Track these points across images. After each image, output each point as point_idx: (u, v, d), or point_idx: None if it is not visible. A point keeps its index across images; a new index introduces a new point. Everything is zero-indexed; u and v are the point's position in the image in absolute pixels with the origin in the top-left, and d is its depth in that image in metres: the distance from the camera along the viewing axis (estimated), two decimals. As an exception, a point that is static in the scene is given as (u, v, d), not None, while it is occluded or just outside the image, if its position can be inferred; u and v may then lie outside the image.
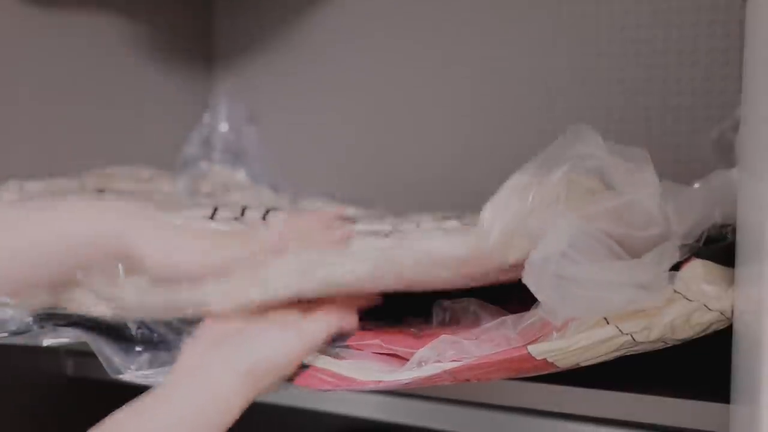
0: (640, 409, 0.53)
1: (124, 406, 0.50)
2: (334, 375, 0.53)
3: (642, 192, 0.47)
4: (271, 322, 0.55)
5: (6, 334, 0.59)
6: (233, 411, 0.51)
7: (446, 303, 0.58)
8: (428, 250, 0.49)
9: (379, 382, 0.51)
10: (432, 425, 0.76)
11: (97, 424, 0.49)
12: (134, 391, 0.52)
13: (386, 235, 0.66)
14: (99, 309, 0.58)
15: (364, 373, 0.52)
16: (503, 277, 0.52)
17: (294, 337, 0.53)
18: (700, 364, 0.55)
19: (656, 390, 0.53)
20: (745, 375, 0.38)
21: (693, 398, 0.51)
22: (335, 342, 0.56)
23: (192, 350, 0.54)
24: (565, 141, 0.49)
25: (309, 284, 0.53)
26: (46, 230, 0.55)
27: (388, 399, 0.76)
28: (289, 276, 0.54)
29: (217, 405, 0.50)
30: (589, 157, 0.49)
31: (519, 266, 0.45)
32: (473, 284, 0.54)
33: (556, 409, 0.56)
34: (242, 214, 0.81)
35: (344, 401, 0.78)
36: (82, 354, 0.77)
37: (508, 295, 0.54)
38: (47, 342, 0.60)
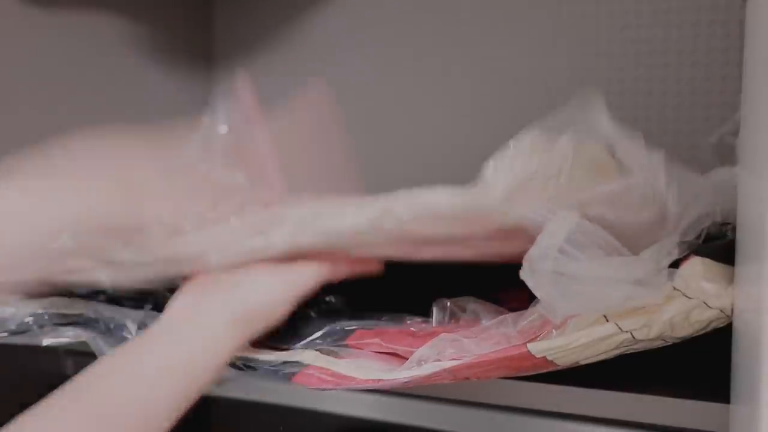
0: (640, 409, 0.53)
1: (116, 349, 0.50)
2: (333, 374, 0.53)
3: (644, 169, 0.47)
4: (260, 269, 0.55)
5: (6, 334, 0.59)
6: (224, 355, 0.52)
7: (446, 302, 0.58)
8: (428, 202, 0.49)
9: (379, 380, 0.51)
10: (432, 425, 0.76)
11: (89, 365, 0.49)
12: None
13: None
14: (97, 275, 0.58)
15: (364, 372, 0.52)
16: (504, 248, 0.51)
17: (282, 283, 0.54)
18: (700, 364, 0.55)
19: (656, 390, 0.53)
20: (745, 374, 0.38)
21: (693, 398, 0.51)
22: (334, 341, 0.56)
23: (183, 297, 0.55)
24: (574, 108, 0.49)
25: (307, 234, 0.53)
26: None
27: (388, 399, 0.76)
28: (287, 227, 0.54)
29: (208, 349, 0.51)
30: (596, 129, 0.48)
31: (519, 234, 0.45)
32: (473, 252, 0.53)
33: (556, 409, 0.56)
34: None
35: (344, 401, 0.78)
36: (82, 354, 0.77)
37: (508, 294, 0.54)
38: (47, 342, 0.60)
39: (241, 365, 0.55)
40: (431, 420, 0.75)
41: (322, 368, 0.54)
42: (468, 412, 0.74)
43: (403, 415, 0.76)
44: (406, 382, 0.50)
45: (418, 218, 0.50)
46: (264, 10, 1.08)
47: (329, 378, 0.53)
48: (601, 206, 0.47)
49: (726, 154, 0.61)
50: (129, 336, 0.60)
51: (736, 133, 0.58)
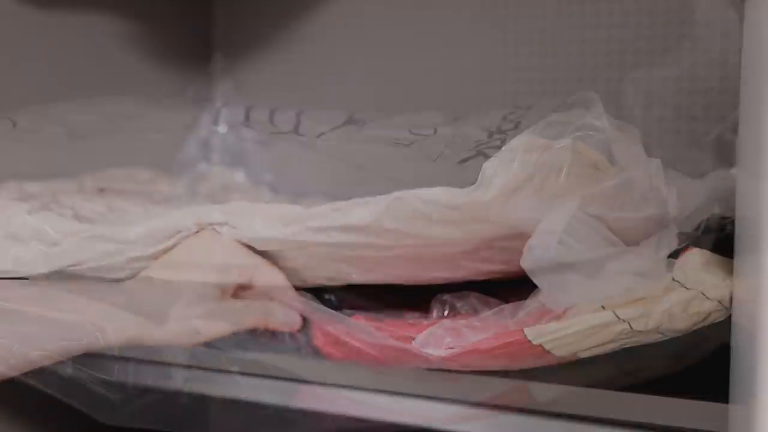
0: (640, 409, 0.53)
1: None
2: (348, 332, 0.52)
3: (642, 168, 0.47)
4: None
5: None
6: None
7: (446, 296, 0.58)
8: (427, 199, 0.49)
9: (387, 344, 0.50)
10: (432, 425, 0.75)
11: None
12: (132, 390, 0.52)
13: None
14: None
15: (377, 335, 0.51)
16: (507, 263, 0.51)
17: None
18: (699, 364, 0.55)
19: (656, 390, 0.53)
20: (743, 367, 0.38)
21: (693, 398, 0.51)
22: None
23: None
24: (571, 108, 0.49)
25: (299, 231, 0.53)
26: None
27: (389, 399, 0.76)
28: (277, 223, 0.54)
29: None
30: (597, 130, 0.48)
31: (519, 237, 0.45)
32: (477, 269, 0.53)
33: (555, 410, 0.56)
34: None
35: (344, 401, 0.77)
36: (81, 354, 0.76)
37: (508, 291, 0.54)
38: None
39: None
40: (433, 420, 0.75)
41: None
42: (470, 412, 0.74)
43: (405, 416, 0.76)
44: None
45: (417, 214, 0.49)
46: (264, 10, 1.08)
47: (348, 337, 0.52)
48: (601, 205, 0.47)
49: (725, 153, 0.61)
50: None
51: (735, 129, 0.58)
